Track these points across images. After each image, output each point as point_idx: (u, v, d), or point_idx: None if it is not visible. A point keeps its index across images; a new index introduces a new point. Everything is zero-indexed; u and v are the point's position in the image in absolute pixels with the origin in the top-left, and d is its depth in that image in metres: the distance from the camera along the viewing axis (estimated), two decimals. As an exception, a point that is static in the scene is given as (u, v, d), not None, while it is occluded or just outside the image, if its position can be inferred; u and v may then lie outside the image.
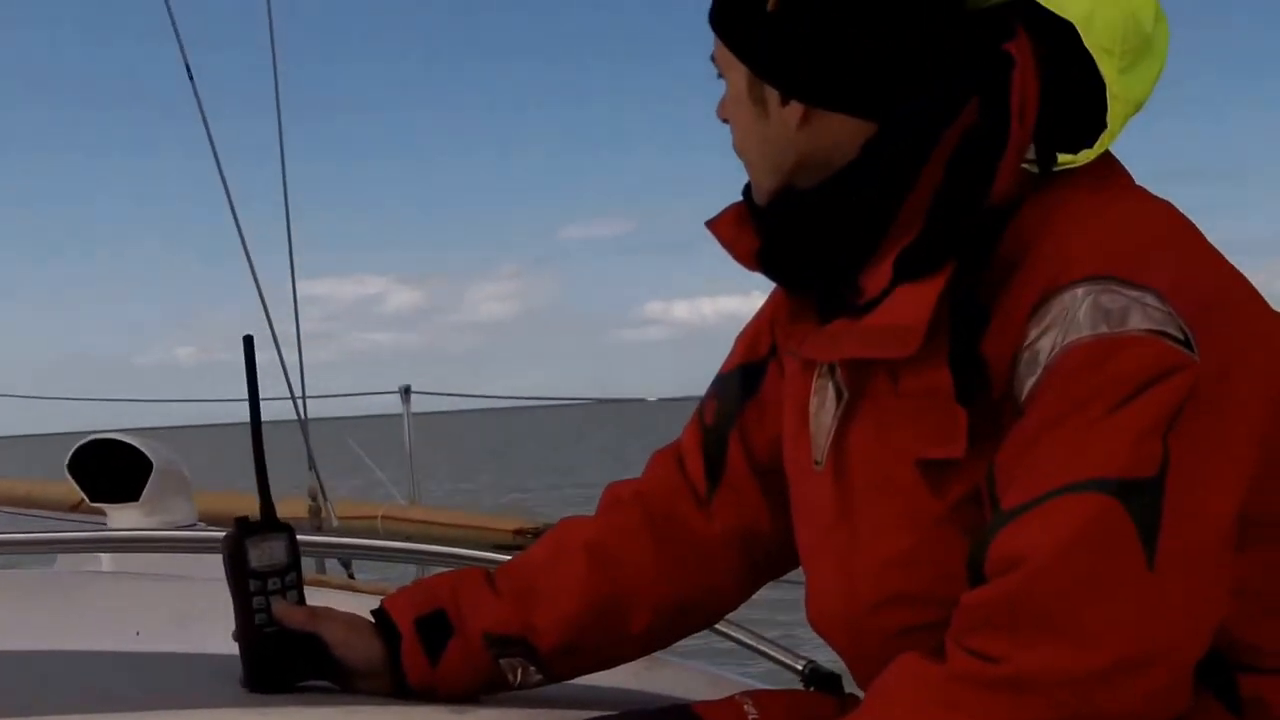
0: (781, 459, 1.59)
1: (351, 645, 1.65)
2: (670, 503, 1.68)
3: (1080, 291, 1.27)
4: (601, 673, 1.73)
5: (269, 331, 3.74)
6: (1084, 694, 1.21)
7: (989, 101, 1.36)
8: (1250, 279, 1.38)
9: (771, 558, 1.67)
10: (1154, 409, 1.23)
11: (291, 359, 3.84)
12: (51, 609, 2.34)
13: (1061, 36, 1.36)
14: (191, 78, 3.64)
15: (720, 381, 1.70)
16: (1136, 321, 1.25)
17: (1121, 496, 1.22)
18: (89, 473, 3.46)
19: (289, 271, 3.91)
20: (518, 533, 3.47)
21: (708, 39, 1.50)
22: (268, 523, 1.66)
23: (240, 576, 1.64)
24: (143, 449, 3.39)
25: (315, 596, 1.72)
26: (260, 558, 1.64)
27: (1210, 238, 1.39)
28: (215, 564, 1.69)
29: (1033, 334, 1.29)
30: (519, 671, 1.67)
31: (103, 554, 3.04)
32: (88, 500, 3.50)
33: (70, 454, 3.45)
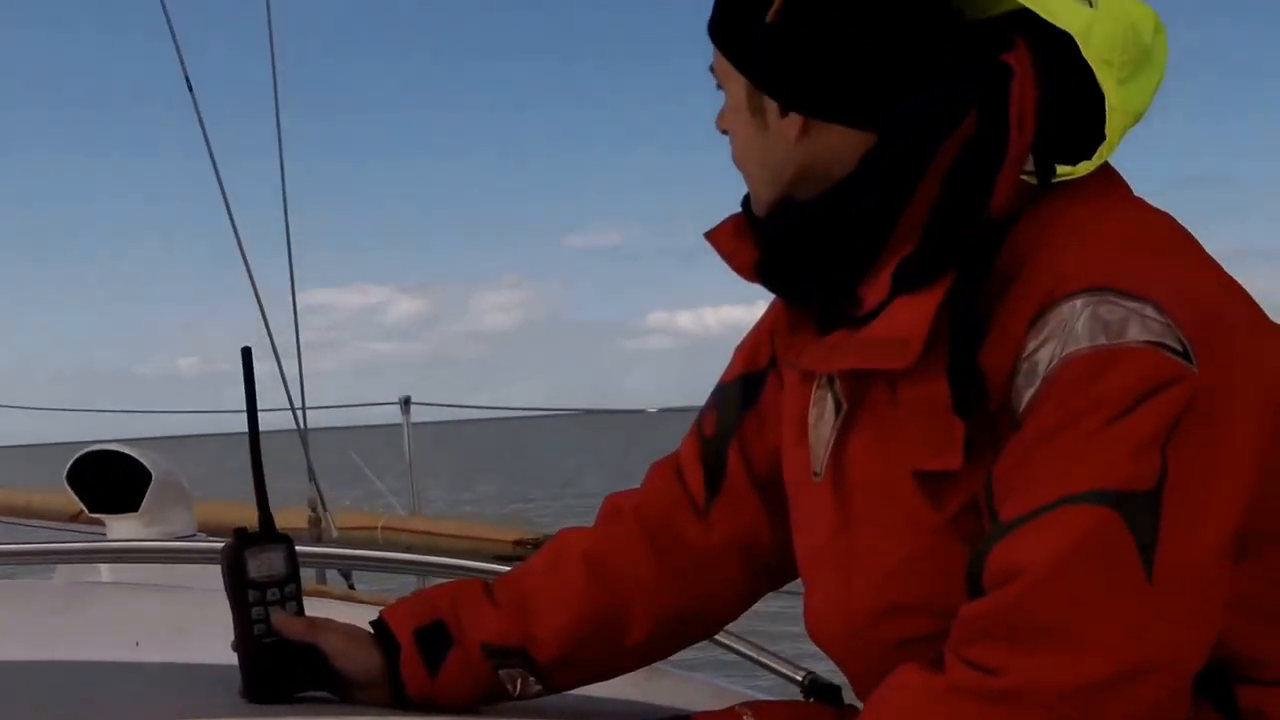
0: (780, 470, 1.59)
1: (351, 656, 1.65)
2: (669, 514, 1.68)
3: (1079, 303, 1.27)
4: (601, 683, 1.73)
5: (269, 343, 3.75)
6: (1082, 705, 1.21)
7: (988, 113, 1.36)
8: None
9: (770, 568, 1.67)
10: (1152, 421, 1.23)
11: (292, 370, 3.84)
12: (51, 619, 2.34)
13: (1060, 48, 1.36)
14: (191, 89, 3.65)
15: (720, 392, 1.70)
16: (1135, 333, 1.25)
17: (1120, 508, 1.22)
18: (87, 483, 3.46)
19: (290, 282, 3.92)
20: (518, 543, 3.47)
21: (710, 43, 1.50)
22: (266, 534, 1.66)
23: (239, 587, 1.64)
24: (141, 460, 3.39)
25: (315, 607, 1.72)
26: (259, 568, 1.64)
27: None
28: (214, 574, 1.69)
29: (1031, 345, 1.29)
30: (518, 682, 1.67)
31: (102, 564, 3.04)
32: (87, 511, 3.50)
33: (69, 465, 3.45)
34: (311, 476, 3.87)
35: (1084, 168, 1.38)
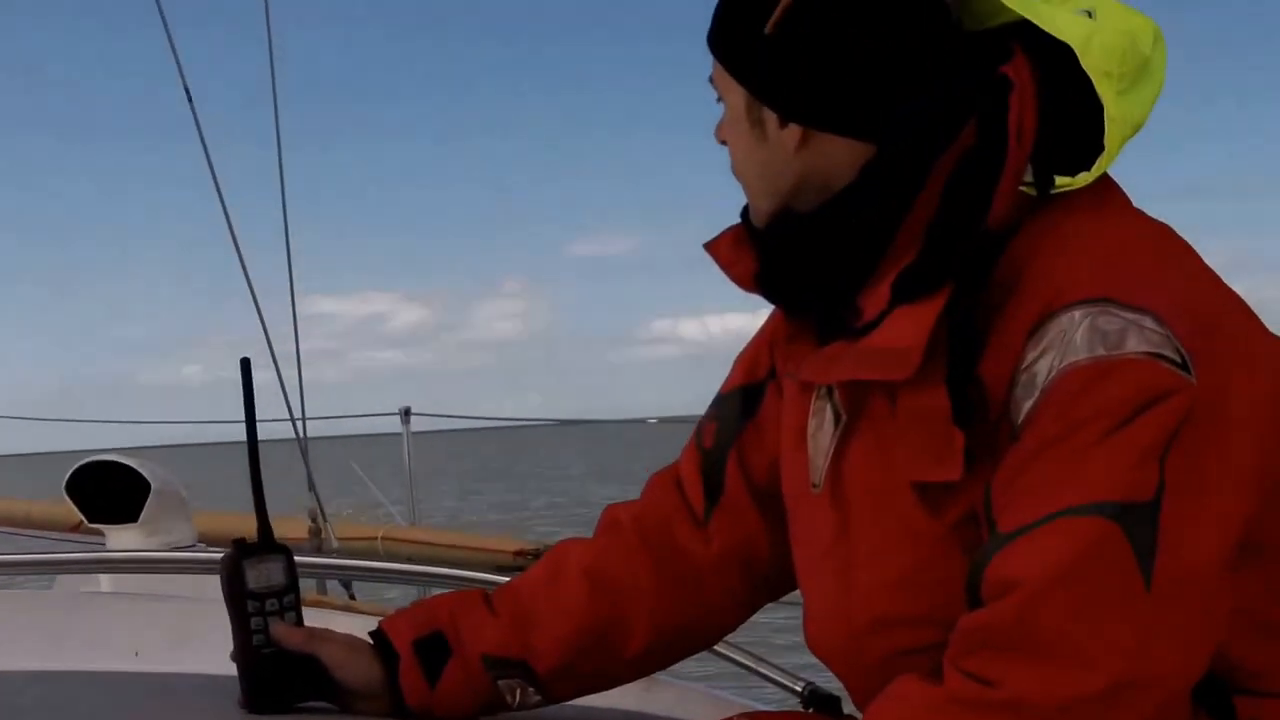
0: (779, 481, 1.58)
1: (350, 666, 1.65)
2: (668, 525, 1.68)
3: (1078, 314, 1.27)
4: (601, 694, 1.73)
5: (269, 354, 3.76)
6: (1081, 716, 1.21)
7: (987, 124, 1.36)
8: None
9: (770, 580, 1.67)
10: (1151, 432, 1.23)
11: (292, 380, 3.85)
12: (50, 629, 2.33)
13: (1059, 59, 1.36)
14: (190, 100, 3.66)
15: (719, 403, 1.69)
16: (1133, 344, 1.25)
17: (1119, 520, 1.22)
18: (87, 494, 3.46)
19: (290, 290, 3.93)
20: (518, 554, 3.48)
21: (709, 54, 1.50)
22: (265, 544, 1.66)
23: (238, 597, 1.64)
24: (140, 470, 3.39)
25: (315, 617, 1.72)
26: (258, 579, 1.64)
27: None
28: (214, 585, 1.69)
29: (1030, 356, 1.29)
30: (517, 693, 1.67)
31: (101, 575, 3.03)
32: (86, 521, 3.51)
33: (68, 475, 3.46)
34: (311, 487, 3.88)
35: (1083, 179, 1.38)
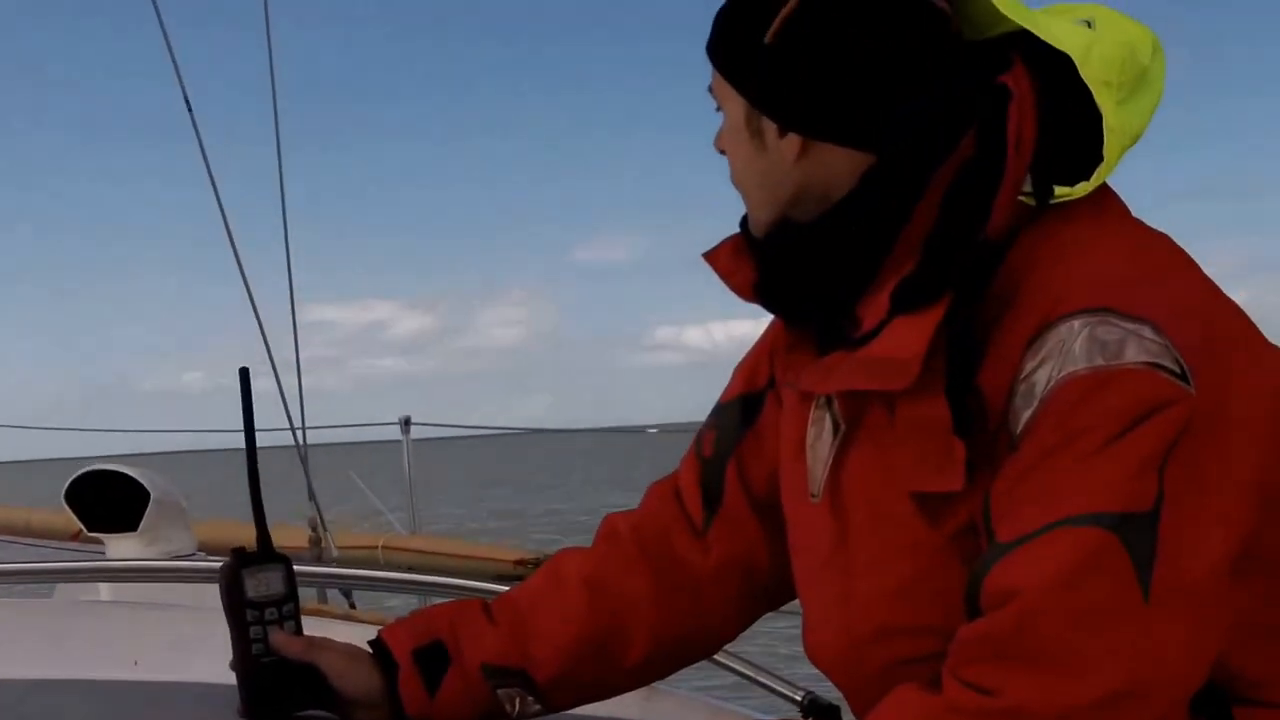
0: (779, 491, 1.58)
1: (349, 676, 1.65)
2: (666, 534, 1.68)
3: (1077, 323, 1.27)
4: (600, 703, 1.73)
5: (269, 363, 3.76)
6: None
7: (986, 134, 1.36)
8: None
9: (769, 589, 1.67)
10: (1150, 442, 1.23)
11: (292, 388, 3.85)
12: (50, 638, 2.33)
13: (1058, 69, 1.36)
14: (190, 108, 3.67)
15: (719, 412, 1.69)
16: (1132, 354, 1.25)
17: (1117, 530, 1.22)
18: (86, 503, 3.46)
19: (290, 297, 3.93)
20: (519, 563, 3.48)
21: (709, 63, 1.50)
22: (264, 553, 1.66)
23: (237, 606, 1.64)
24: (140, 479, 3.39)
25: (315, 626, 1.72)
26: (257, 588, 1.64)
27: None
28: (213, 593, 1.69)
29: (1029, 366, 1.29)
30: (517, 702, 1.67)
31: (101, 583, 3.04)
32: (86, 530, 3.51)
33: (67, 484, 3.46)
34: (311, 496, 3.88)
35: (1082, 189, 1.38)
